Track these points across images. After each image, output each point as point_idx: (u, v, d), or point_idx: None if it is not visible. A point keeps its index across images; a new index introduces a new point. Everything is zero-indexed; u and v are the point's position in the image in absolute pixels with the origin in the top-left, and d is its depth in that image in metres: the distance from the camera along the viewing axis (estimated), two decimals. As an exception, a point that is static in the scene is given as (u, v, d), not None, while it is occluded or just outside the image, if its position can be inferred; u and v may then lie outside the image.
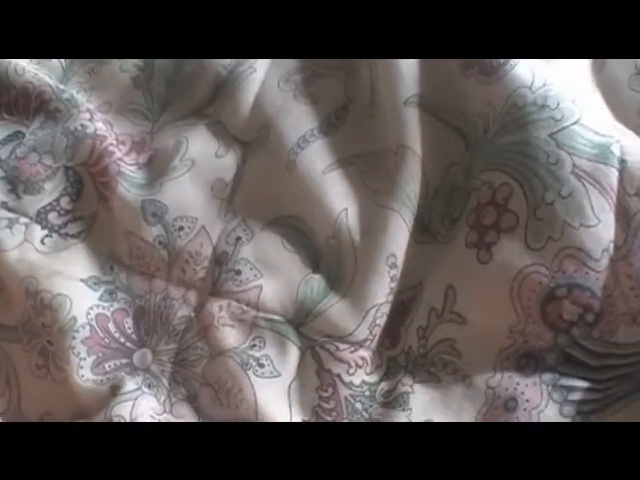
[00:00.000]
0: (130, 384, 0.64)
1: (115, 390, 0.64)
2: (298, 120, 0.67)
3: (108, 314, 0.66)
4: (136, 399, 0.63)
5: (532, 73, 0.59)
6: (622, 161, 0.55)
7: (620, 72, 0.63)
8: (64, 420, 0.65)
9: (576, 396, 0.55)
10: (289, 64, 0.70)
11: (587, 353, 0.55)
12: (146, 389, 0.64)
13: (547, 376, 0.56)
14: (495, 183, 0.58)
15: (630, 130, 0.59)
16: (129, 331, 0.66)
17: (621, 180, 0.55)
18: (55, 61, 0.77)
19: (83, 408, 0.64)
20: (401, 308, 0.62)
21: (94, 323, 0.65)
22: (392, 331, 0.62)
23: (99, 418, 0.63)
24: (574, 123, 0.56)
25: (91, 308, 0.66)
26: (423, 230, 0.63)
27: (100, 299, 0.67)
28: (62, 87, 0.74)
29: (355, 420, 0.60)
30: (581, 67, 0.64)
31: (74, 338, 0.64)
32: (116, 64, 0.75)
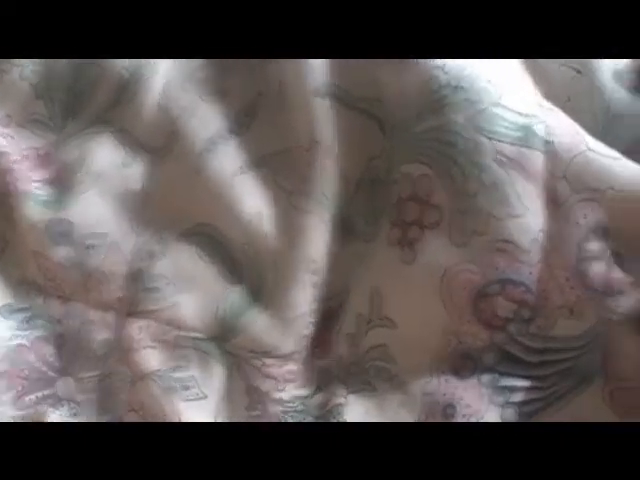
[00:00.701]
0: (53, 416, 0.62)
1: (37, 425, 0.61)
2: (205, 121, 0.63)
3: (27, 343, 0.64)
4: (60, 432, 0.61)
5: (445, 53, 0.55)
6: (547, 142, 0.52)
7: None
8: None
9: (518, 397, 0.53)
10: (194, 61, 0.65)
11: (526, 350, 0.53)
12: (71, 420, 0.62)
13: (486, 377, 0.54)
14: (414, 175, 0.55)
15: (559, 108, 0.56)
16: (50, 359, 0.63)
17: (547, 163, 0.52)
18: (-51, 73, 0.73)
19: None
20: (329, 315, 0.59)
21: (13, 355, 0.63)
22: (321, 340, 0.59)
23: (23, 455, 0.60)
24: (493, 104, 0.53)
25: (9, 339, 0.64)
26: (346, 231, 0.60)
27: (18, 328, 0.64)
28: (-43, 102, 0.70)
29: (288, 437, 0.58)
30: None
31: (-10, 374, 0.61)
32: (16, 72, 0.69)
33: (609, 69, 0.56)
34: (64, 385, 0.63)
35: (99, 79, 0.67)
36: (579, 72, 0.57)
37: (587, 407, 0.51)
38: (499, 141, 0.52)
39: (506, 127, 0.53)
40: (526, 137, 0.52)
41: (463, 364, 0.54)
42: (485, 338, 0.53)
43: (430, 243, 0.54)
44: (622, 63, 0.56)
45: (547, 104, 0.55)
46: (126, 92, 0.66)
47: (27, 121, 0.69)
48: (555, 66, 0.58)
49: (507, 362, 0.53)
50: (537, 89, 0.57)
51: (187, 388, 0.60)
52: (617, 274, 0.50)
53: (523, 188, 0.52)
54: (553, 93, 0.57)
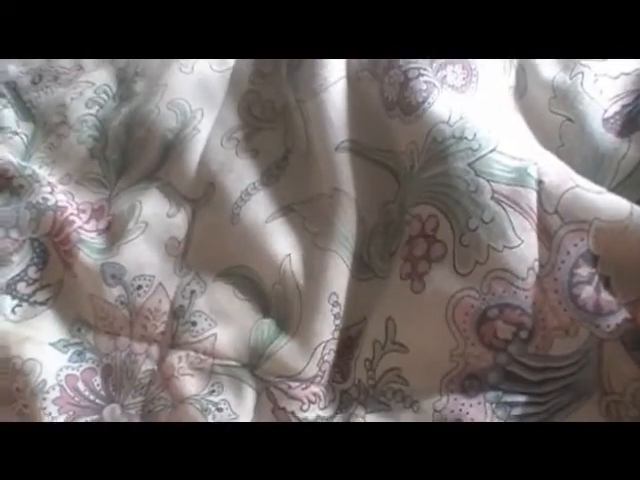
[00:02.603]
0: (100, 439, 0.67)
1: (88, 447, 0.66)
2: (240, 175, 0.71)
3: (77, 374, 0.69)
4: (107, 454, 0.66)
5: (449, 108, 0.62)
6: (540, 182, 0.57)
7: (540, 96, 0.66)
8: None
9: (519, 411, 0.57)
10: (230, 122, 0.74)
11: (526, 369, 0.57)
12: (117, 442, 0.67)
13: (491, 395, 0.57)
14: (423, 216, 0.61)
15: (551, 152, 0.61)
16: (98, 388, 0.69)
17: (540, 200, 0.57)
18: (18, 139, 0.82)
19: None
20: (349, 343, 0.64)
21: (64, 383, 0.68)
22: (342, 366, 0.64)
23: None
24: (491, 151, 0.59)
25: (60, 370, 0.69)
26: (364, 267, 0.65)
27: (69, 360, 0.70)
28: (24, 164, 0.79)
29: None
30: (502, 94, 0.67)
31: (45, 399, 0.67)
32: (73, 137, 0.79)
33: (598, 116, 0.61)
34: (110, 411, 0.68)
35: (147, 140, 0.75)
36: (570, 120, 0.62)
37: (585, 420, 0.55)
38: (496, 182, 0.58)
39: (501, 170, 0.58)
40: (520, 178, 0.58)
41: (470, 384, 0.58)
42: (489, 359, 0.57)
43: (436, 274, 0.59)
44: (610, 111, 0.61)
45: (540, 148, 0.61)
46: (172, 151, 0.74)
47: (84, 179, 0.77)
48: (548, 115, 0.64)
49: (510, 381, 0.57)
50: (533, 136, 0.64)
51: (221, 410, 0.64)
52: (606, 296, 0.54)
53: (518, 222, 0.57)
54: (545, 139, 0.63)
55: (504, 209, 0.57)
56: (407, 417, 0.60)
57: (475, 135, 0.60)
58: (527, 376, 0.57)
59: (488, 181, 0.58)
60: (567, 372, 0.56)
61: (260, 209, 0.69)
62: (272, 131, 0.73)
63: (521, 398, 0.57)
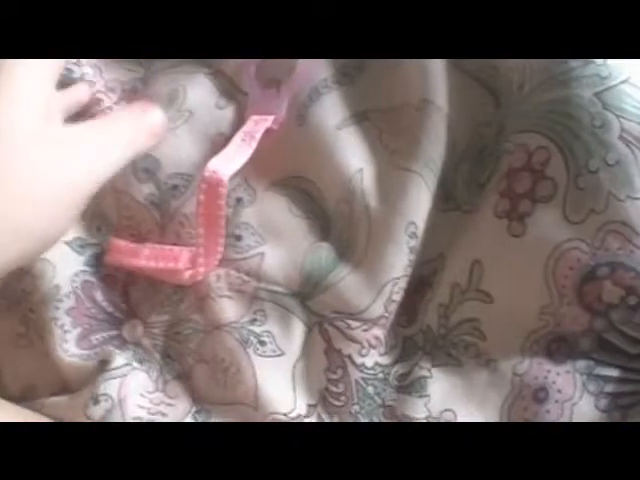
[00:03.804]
0: (119, 359, 0.58)
1: (103, 365, 0.58)
2: (310, 67, 0.59)
3: (95, 280, 0.60)
4: (125, 376, 0.57)
5: (577, 22, 0.52)
6: (681, 125, 0.49)
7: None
8: (46, 394, 0.60)
9: (611, 388, 0.50)
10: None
11: (626, 339, 0.49)
12: (137, 364, 0.58)
13: (581, 364, 0.50)
14: (531, 146, 0.52)
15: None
16: (118, 300, 0.60)
17: (678, 147, 0.49)
18: None
19: (68, 384, 0.59)
20: (420, 282, 0.56)
21: (80, 291, 0.59)
22: (409, 308, 0.56)
23: (85, 395, 0.57)
24: (623, 82, 0.50)
25: (76, 274, 0.60)
26: (447, 197, 0.56)
27: (86, 264, 0.60)
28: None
29: (367, 405, 0.55)
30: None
31: (57, 308, 0.58)
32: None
33: None
34: (131, 328, 0.60)
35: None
36: None
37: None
38: (627, 119, 0.49)
39: (634, 106, 0.49)
40: (657, 118, 0.49)
41: (557, 347, 0.51)
42: (584, 322, 0.50)
43: (541, 217, 0.51)
44: None
45: None
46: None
47: (117, 51, 0.65)
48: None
49: (604, 350, 0.50)
50: None
51: (263, 343, 0.56)
52: None
53: (649, 170, 0.49)
54: None
55: (633, 152, 0.49)
56: (481, 377, 0.53)
57: (605, 60, 0.50)
58: (625, 347, 0.49)
59: (617, 117, 0.49)
60: (677, 349, 0.48)
61: (331, 112, 0.57)
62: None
63: (616, 373, 0.50)
